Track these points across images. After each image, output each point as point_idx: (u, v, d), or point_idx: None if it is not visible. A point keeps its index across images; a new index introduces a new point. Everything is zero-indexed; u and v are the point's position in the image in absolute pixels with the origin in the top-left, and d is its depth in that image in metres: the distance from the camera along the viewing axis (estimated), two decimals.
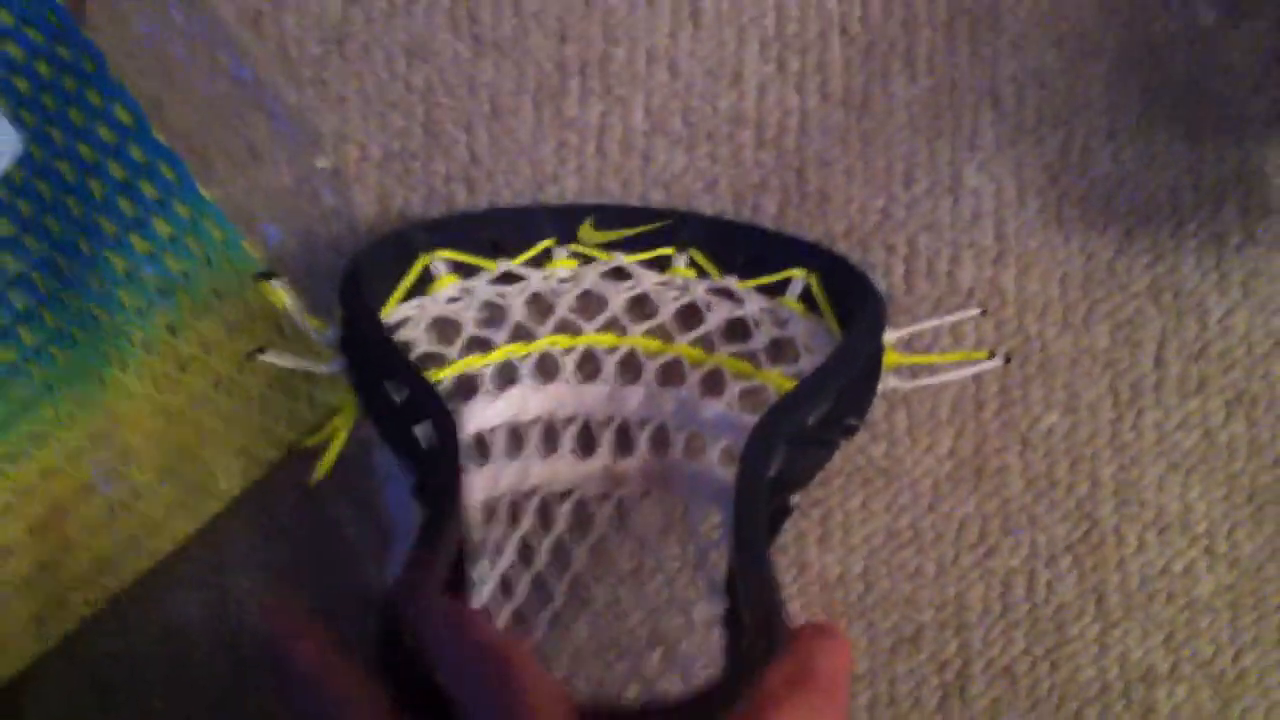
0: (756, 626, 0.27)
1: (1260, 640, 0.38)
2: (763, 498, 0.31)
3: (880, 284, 0.39)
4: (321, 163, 0.40)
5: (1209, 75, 0.40)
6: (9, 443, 0.38)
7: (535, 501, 0.36)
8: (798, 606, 0.38)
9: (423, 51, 0.40)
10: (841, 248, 0.40)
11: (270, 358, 0.33)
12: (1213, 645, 0.38)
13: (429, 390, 0.31)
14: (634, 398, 0.37)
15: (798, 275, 0.38)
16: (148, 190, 0.38)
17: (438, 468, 0.30)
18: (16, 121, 0.39)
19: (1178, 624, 0.38)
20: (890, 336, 0.36)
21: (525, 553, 0.36)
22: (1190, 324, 0.39)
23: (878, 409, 0.38)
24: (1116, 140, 0.40)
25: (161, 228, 0.39)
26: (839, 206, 0.40)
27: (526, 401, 0.36)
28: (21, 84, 0.39)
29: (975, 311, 0.38)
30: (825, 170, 0.40)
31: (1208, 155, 0.40)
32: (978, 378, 0.39)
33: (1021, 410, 0.39)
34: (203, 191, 0.39)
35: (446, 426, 0.30)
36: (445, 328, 0.37)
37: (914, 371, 0.37)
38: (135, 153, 0.38)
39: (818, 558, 0.38)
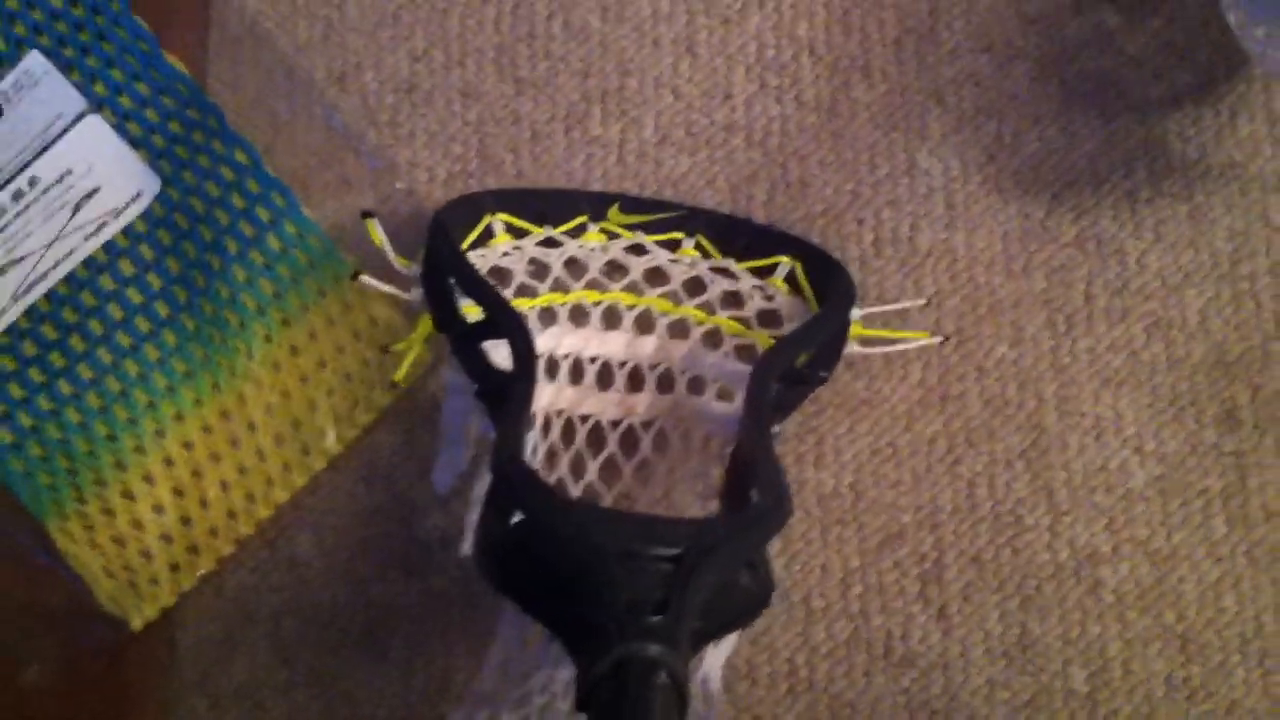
0: (769, 491, 0.36)
1: (1187, 522, 0.46)
2: (769, 405, 0.40)
3: (853, 266, 0.47)
4: (399, 185, 0.49)
5: (1116, 66, 0.49)
6: (156, 421, 0.47)
7: (561, 420, 0.45)
8: (799, 515, 0.46)
9: (474, 94, 0.50)
10: (820, 224, 0.48)
11: (367, 280, 0.43)
12: (1147, 528, 0.46)
13: (507, 307, 0.41)
14: (648, 345, 0.46)
15: (785, 261, 0.47)
16: (262, 214, 0.48)
17: (515, 372, 0.39)
18: (155, 168, 0.49)
19: (1116, 512, 0.46)
20: (856, 313, 0.45)
21: (550, 459, 0.45)
22: (1112, 265, 0.47)
23: (855, 352, 0.47)
24: (1041, 124, 0.48)
25: (274, 243, 0.48)
26: (816, 191, 0.49)
27: (561, 339, 0.46)
28: (159, 140, 0.49)
29: (921, 302, 0.47)
30: (803, 163, 0.49)
31: (1119, 131, 0.48)
32: (939, 321, 0.47)
33: (975, 344, 0.47)
34: (306, 213, 0.48)
35: (524, 333, 0.39)
36: (500, 275, 0.46)
37: (871, 341, 0.46)
38: (252, 186, 0.48)
39: (814, 475, 0.47)
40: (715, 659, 0.40)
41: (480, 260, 0.45)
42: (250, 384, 0.48)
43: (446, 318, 0.42)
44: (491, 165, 0.50)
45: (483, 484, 0.42)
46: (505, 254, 0.46)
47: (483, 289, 0.41)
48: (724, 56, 0.50)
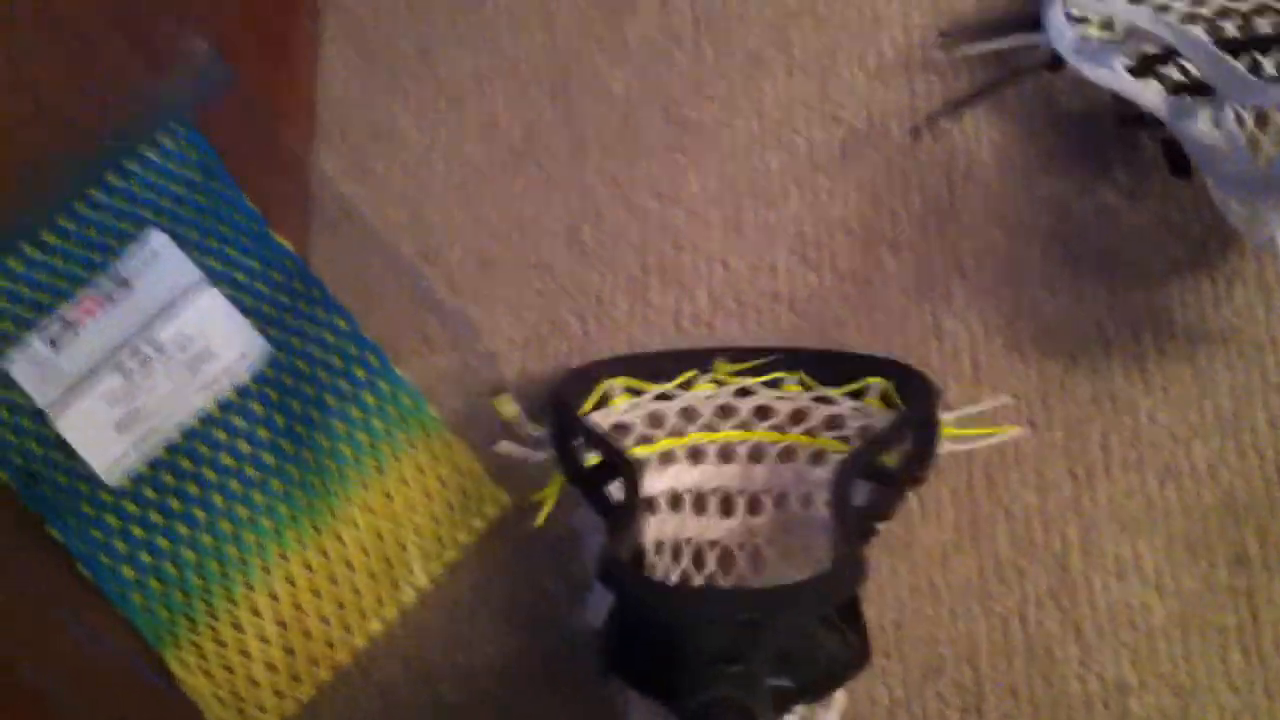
0: (837, 558, 0.42)
1: (1206, 655, 0.50)
2: (848, 495, 0.46)
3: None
4: (480, 348, 0.55)
5: (1120, 240, 0.55)
6: (263, 560, 0.52)
7: (691, 547, 0.50)
8: None
9: (545, 266, 0.56)
10: None
11: (502, 449, 0.50)
12: (1170, 662, 0.50)
13: (618, 452, 0.47)
14: (760, 473, 0.52)
15: (875, 381, 0.52)
16: (359, 373, 0.54)
17: (624, 504, 0.45)
18: (265, 334, 0.55)
19: (1140, 646, 0.50)
20: (946, 416, 0.50)
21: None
22: (1125, 420, 0.52)
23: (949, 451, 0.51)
24: (1055, 292, 0.54)
25: (369, 399, 0.54)
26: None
27: (682, 476, 0.52)
28: (268, 309, 0.55)
29: (1007, 399, 0.53)
30: (841, 328, 0.55)
31: (1125, 298, 0.54)
32: (971, 470, 0.52)
33: (1003, 491, 0.52)
34: (398, 372, 0.54)
35: (630, 468, 0.46)
36: (621, 429, 0.52)
37: (962, 440, 0.51)
38: (350, 349, 0.54)
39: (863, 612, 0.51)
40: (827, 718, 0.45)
41: (603, 418, 0.51)
42: (348, 526, 0.53)
43: (574, 470, 0.48)
44: (561, 330, 0.56)
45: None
46: (625, 411, 0.52)
47: (596, 440, 0.48)
48: (768, 234, 0.56)
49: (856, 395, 0.52)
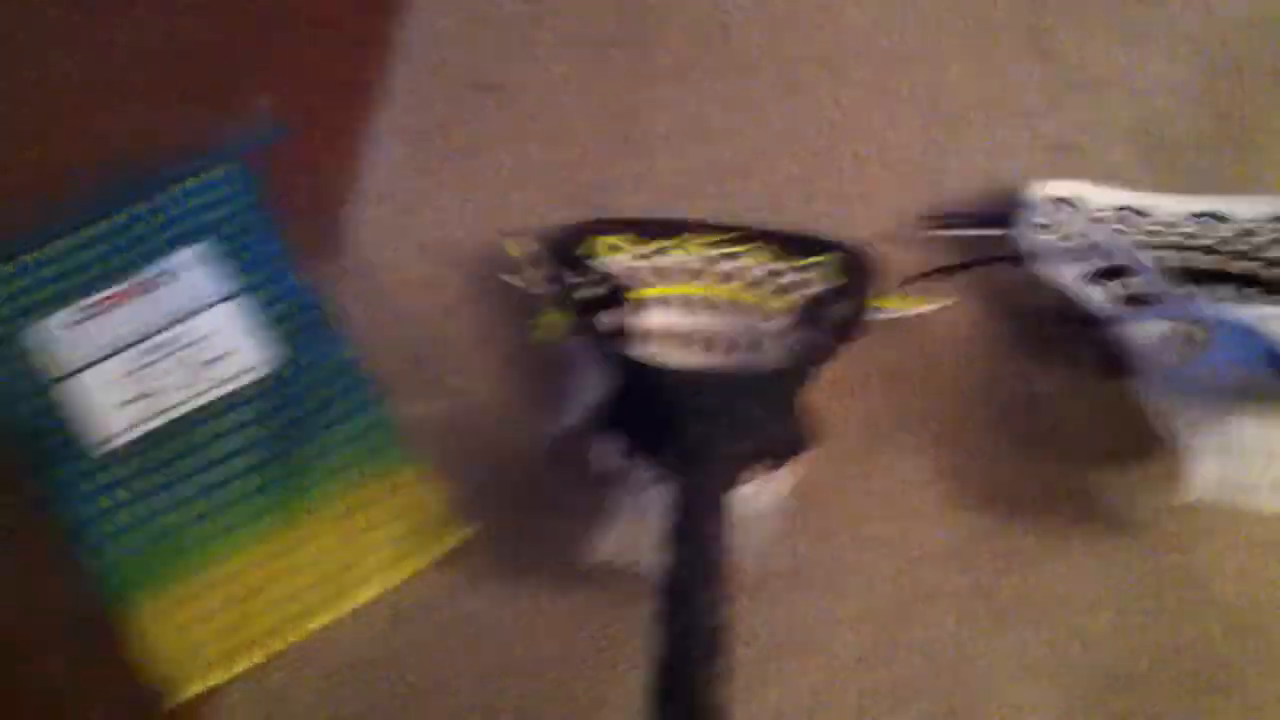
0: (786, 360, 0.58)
1: None
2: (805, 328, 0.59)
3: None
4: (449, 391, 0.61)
5: (1057, 423, 0.61)
6: (234, 541, 0.57)
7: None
8: None
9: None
10: None
11: (510, 279, 0.62)
12: None
13: (608, 279, 0.60)
14: (717, 322, 0.62)
15: (824, 258, 0.63)
16: (348, 403, 0.60)
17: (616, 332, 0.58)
18: (273, 350, 0.61)
19: None
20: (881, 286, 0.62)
21: None
22: (1033, 578, 0.59)
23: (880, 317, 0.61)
24: (995, 458, 0.61)
25: (353, 427, 0.60)
26: None
27: (652, 319, 0.61)
28: (279, 330, 0.61)
29: (948, 302, 0.63)
30: None
31: (1054, 471, 0.61)
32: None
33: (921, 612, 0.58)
34: (382, 410, 0.60)
35: (621, 292, 0.60)
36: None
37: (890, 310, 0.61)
38: (346, 380, 0.60)
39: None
40: (773, 491, 0.55)
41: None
42: (311, 531, 0.58)
43: (567, 299, 0.59)
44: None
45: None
46: (608, 263, 0.63)
47: (589, 271, 0.61)
48: None
49: (806, 269, 0.63)
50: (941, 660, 0.57)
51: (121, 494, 0.58)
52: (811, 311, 0.60)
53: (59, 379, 0.59)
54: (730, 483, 0.52)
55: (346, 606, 0.57)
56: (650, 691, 0.45)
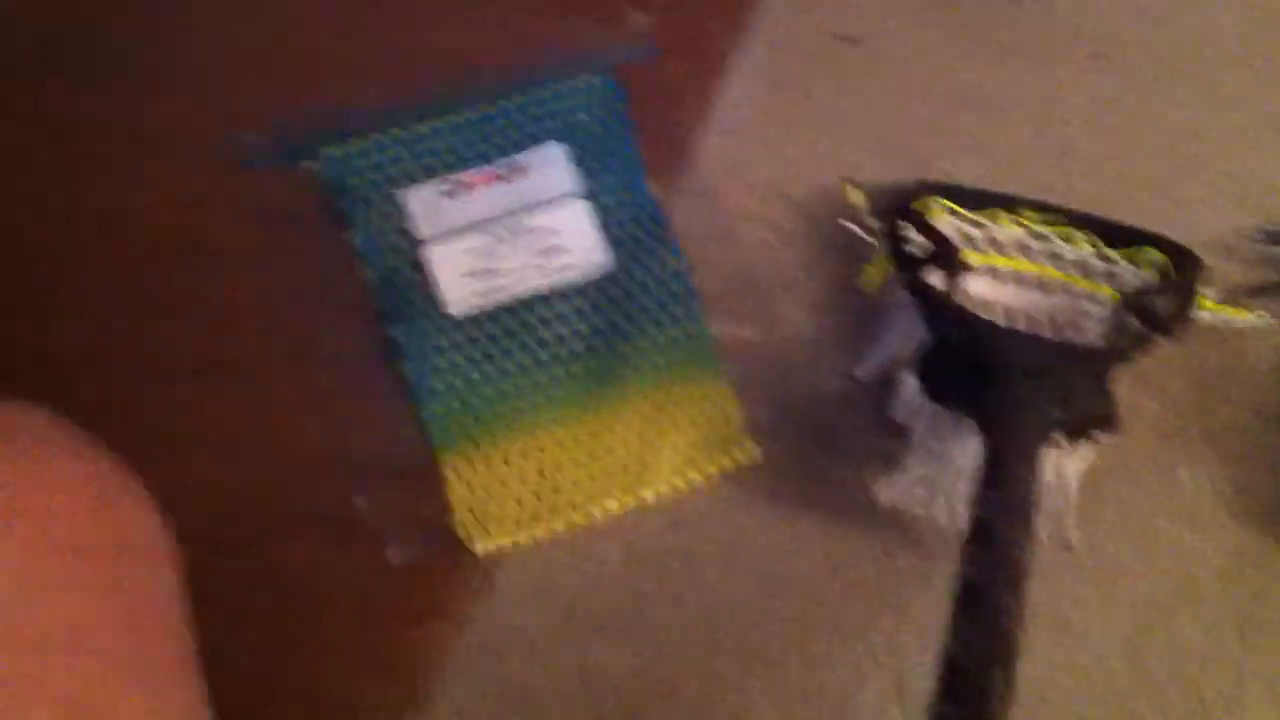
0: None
1: None
2: (1126, 315, 0.60)
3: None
4: (778, 334, 0.64)
5: None
6: (546, 418, 0.63)
7: None
8: None
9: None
10: None
11: (847, 224, 0.65)
12: None
13: (945, 239, 0.62)
14: (1043, 299, 0.64)
15: (1151, 251, 0.63)
16: (674, 310, 0.64)
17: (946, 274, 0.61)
18: (610, 251, 0.65)
19: None
20: (1207, 291, 0.61)
21: None
22: None
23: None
24: None
25: (673, 333, 0.64)
26: None
27: (979, 286, 0.64)
28: (620, 233, 0.65)
29: (1269, 318, 0.62)
30: None
31: None
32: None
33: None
34: (702, 322, 0.64)
35: (953, 250, 0.62)
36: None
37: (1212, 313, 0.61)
38: (675, 287, 0.64)
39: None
40: (1074, 466, 0.57)
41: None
42: (618, 420, 0.62)
43: (899, 253, 0.62)
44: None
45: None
46: (942, 225, 0.64)
47: (929, 229, 0.63)
48: None
49: (1135, 261, 0.64)
50: (1186, 669, 0.57)
51: (458, 358, 0.63)
52: (1135, 301, 0.61)
53: (420, 242, 0.65)
54: (1042, 443, 0.53)
55: (637, 498, 0.61)
56: (955, 612, 0.48)
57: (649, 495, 0.61)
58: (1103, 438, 0.57)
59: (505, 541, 0.61)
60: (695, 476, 0.61)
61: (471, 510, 0.61)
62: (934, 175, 0.68)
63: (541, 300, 0.65)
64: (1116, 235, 0.65)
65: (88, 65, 0.70)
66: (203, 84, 0.70)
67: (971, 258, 0.64)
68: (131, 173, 0.68)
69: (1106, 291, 0.64)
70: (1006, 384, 0.54)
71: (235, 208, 0.67)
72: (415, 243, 0.65)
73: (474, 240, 0.65)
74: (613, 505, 0.61)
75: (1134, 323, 0.60)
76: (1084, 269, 0.64)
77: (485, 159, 0.67)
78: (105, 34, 0.71)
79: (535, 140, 0.68)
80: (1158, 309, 0.61)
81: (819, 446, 0.62)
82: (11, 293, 0.65)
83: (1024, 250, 0.65)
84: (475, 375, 0.63)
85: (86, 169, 0.68)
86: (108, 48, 0.71)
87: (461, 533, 0.60)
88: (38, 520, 0.39)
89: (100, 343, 0.64)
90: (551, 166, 0.67)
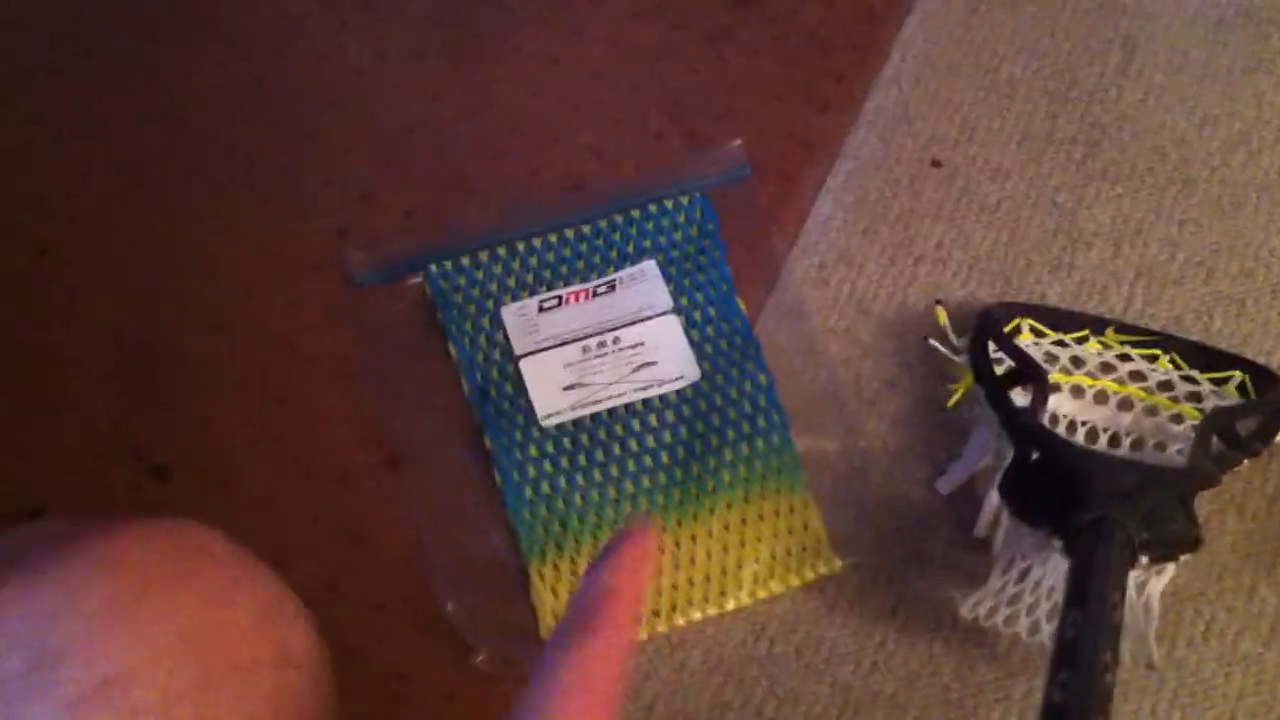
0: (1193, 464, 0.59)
1: None
2: (1210, 438, 0.60)
3: None
4: (861, 444, 0.66)
5: None
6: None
7: None
8: None
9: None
10: None
11: (935, 343, 0.67)
12: None
13: (1033, 362, 0.63)
14: (1126, 418, 0.65)
15: (1237, 375, 0.64)
16: (760, 423, 0.66)
17: (1033, 397, 0.61)
18: (699, 363, 0.67)
19: None
20: None
21: None
22: None
23: None
24: None
25: (759, 445, 0.65)
26: None
27: (1063, 404, 0.65)
28: (709, 348, 0.68)
29: None
30: None
31: None
32: None
33: None
34: (789, 435, 0.65)
35: (1041, 373, 0.62)
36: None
37: None
38: (761, 401, 0.66)
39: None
40: (1156, 585, 0.58)
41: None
42: (702, 531, 0.64)
43: (985, 372, 0.63)
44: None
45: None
46: (1028, 345, 0.67)
47: (1015, 349, 0.64)
48: None
49: (1216, 382, 0.65)
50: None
51: (548, 466, 0.66)
52: (1218, 423, 0.61)
53: (520, 356, 0.68)
54: (1127, 564, 0.54)
55: (720, 608, 0.62)
56: None
57: (733, 605, 0.62)
58: (1185, 557, 0.57)
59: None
60: (776, 588, 0.62)
61: (556, 616, 0.62)
62: (1019, 295, 0.69)
63: (633, 411, 0.67)
64: (1198, 356, 0.65)
65: (218, 173, 0.77)
66: (317, 200, 0.75)
67: (1056, 377, 0.65)
68: (245, 280, 0.73)
69: (1189, 411, 0.64)
70: (1092, 505, 0.55)
71: (340, 318, 0.71)
72: (512, 356, 0.68)
73: (568, 354, 0.68)
74: (695, 615, 0.62)
75: (1217, 443, 0.60)
76: (1167, 389, 0.65)
77: (582, 275, 0.71)
78: (231, 145, 0.78)
79: (631, 257, 0.71)
80: (1240, 429, 0.61)
81: (900, 559, 0.63)
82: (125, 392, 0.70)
83: (1108, 370, 0.66)
84: (564, 483, 0.65)
85: (202, 272, 0.73)
86: (234, 157, 0.77)
87: (546, 637, 0.62)
88: (212, 640, 0.40)
89: (222, 444, 0.68)
90: (646, 283, 0.70)
